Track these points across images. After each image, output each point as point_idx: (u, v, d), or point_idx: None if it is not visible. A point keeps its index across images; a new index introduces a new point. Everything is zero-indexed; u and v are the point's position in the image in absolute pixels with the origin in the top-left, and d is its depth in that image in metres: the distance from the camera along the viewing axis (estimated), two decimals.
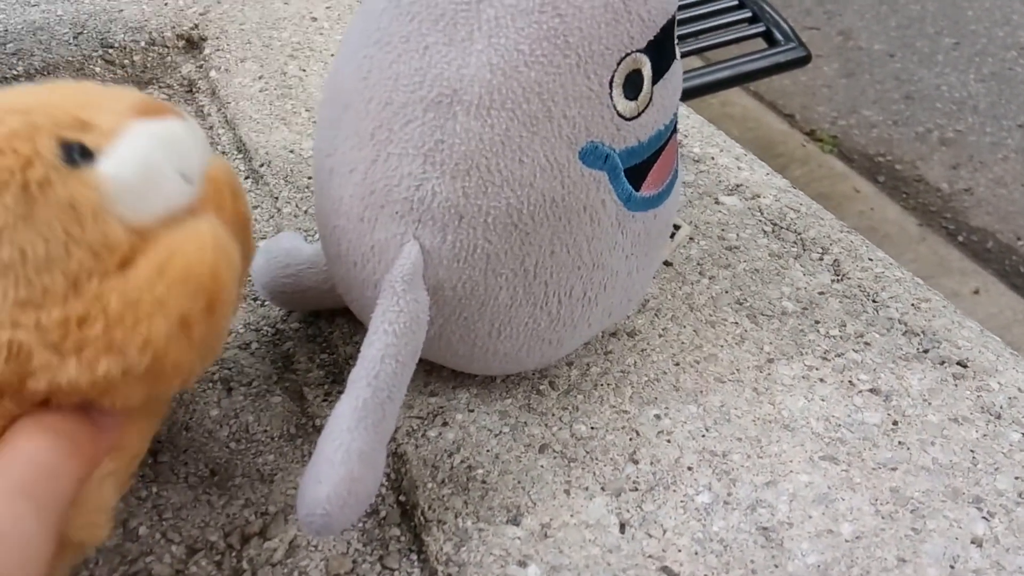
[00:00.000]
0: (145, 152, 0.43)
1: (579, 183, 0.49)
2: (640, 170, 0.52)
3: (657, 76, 0.50)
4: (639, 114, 0.50)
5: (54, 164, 0.40)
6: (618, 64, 0.48)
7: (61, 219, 0.40)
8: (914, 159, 2.49)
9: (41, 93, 0.44)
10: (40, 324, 0.39)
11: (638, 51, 0.48)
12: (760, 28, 1.69)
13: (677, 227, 0.76)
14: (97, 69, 0.98)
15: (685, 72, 1.59)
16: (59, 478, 0.40)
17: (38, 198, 0.39)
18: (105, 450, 0.44)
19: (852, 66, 2.88)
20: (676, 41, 0.53)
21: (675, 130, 0.55)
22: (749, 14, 1.70)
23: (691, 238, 0.75)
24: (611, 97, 0.48)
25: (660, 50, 0.50)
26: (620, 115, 0.49)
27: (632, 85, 0.49)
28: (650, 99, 0.50)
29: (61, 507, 0.40)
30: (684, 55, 1.57)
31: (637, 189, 0.52)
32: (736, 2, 1.73)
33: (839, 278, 0.72)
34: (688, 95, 1.49)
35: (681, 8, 1.68)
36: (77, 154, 0.41)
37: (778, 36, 1.67)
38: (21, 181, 0.39)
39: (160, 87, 1.00)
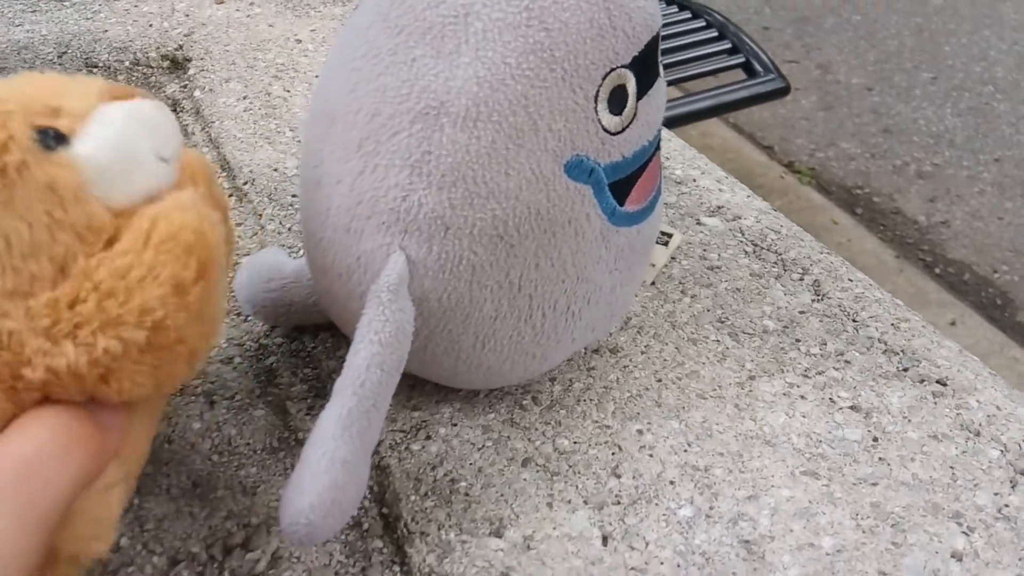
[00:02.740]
0: (120, 132, 0.43)
1: (564, 196, 0.49)
2: (624, 185, 0.52)
3: (642, 92, 0.51)
4: (624, 129, 0.50)
5: (30, 148, 0.39)
6: (603, 79, 0.48)
7: (43, 202, 0.39)
8: (891, 192, 2.51)
9: (9, 84, 0.44)
10: (30, 311, 0.39)
11: (623, 66, 0.49)
12: (740, 59, 1.70)
13: (669, 235, 0.77)
14: None
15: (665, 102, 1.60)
16: (49, 475, 0.38)
17: (16, 182, 0.39)
18: (110, 451, 0.43)
19: (830, 99, 2.90)
20: (660, 58, 0.53)
21: (659, 147, 0.55)
22: (729, 45, 1.72)
23: (672, 257, 0.76)
24: (596, 111, 0.49)
25: (645, 66, 0.50)
26: (605, 129, 0.49)
27: (617, 100, 0.49)
28: (634, 114, 0.51)
29: (49, 507, 0.38)
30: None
31: (621, 204, 0.52)
32: (716, 33, 1.75)
33: (819, 298, 0.73)
34: (668, 124, 1.50)
35: (662, 38, 1.69)
36: (51, 139, 0.40)
37: (757, 67, 1.69)
38: None
39: None
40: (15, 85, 0.44)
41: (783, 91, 1.68)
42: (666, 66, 1.67)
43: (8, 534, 0.36)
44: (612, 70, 0.48)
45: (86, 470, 0.41)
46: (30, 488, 0.37)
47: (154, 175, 0.44)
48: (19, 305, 0.39)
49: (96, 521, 0.43)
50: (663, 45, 1.64)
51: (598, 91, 0.48)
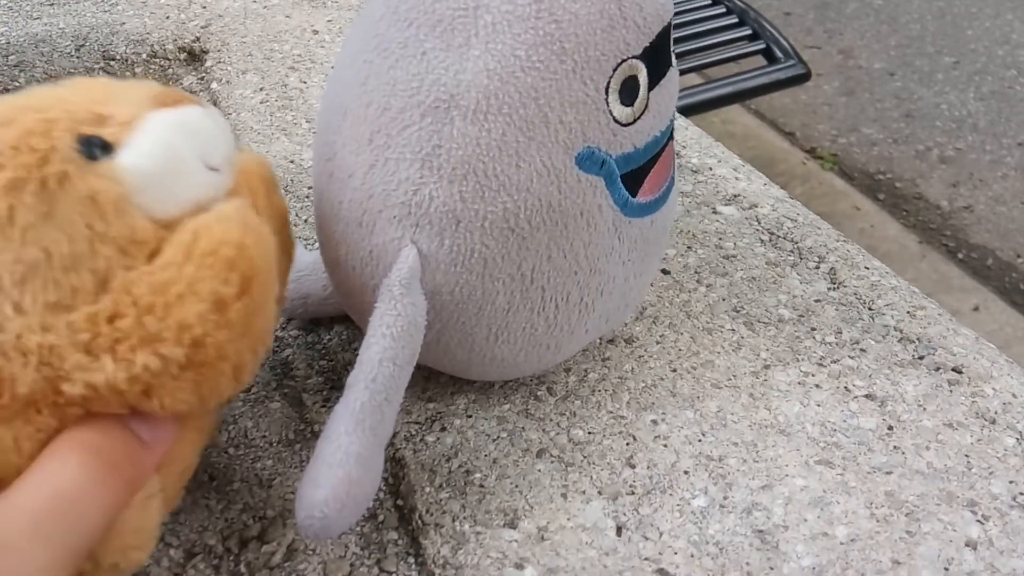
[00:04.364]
0: (164, 141, 0.42)
1: (576, 188, 0.49)
2: (637, 176, 0.52)
3: (653, 82, 0.51)
4: (635, 120, 0.50)
5: (72, 158, 0.39)
6: (614, 70, 0.48)
7: (83, 214, 0.39)
8: (914, 177, 2.50)
9: (57, 91, 0.43)
10: (71, 325, 0.38)
11: (634, 57, 0.49)
12: (760, 45, 1.70)
13: None
14: None
15: (685, 89, 1.61)
16: (85, 509, 0.38)
17: (57, 194, 0.38)
18: (152, 467, 0.43)
19: (852, 84, 2.89)
20: (672, 48, 0.53)
21: (671, 137, 0.55)
22: (749, 31, 1.72)
23: (688, 247, 0.76)
24: (607, 103, 0.49)
25: (656, 56, 0.50)
26: (616, 121, 0.49)
27: (628, 91, 0.49)
28: (646, 105, 0.51)
29: (84, 541, 0.38)
30: (684, 72, 1.58)
31: (633, 195, 0.52)
32: (736, 20, 1.74)
33: (835, 286, 0.72)
34: (688, 112, 1.50)
35: (681, 25, 1.69)
36: (97, 148, 0.40)
37: (778, 53, 1.68)
38: (39, 178, 0.38)
39: None
40: (62, 91, 0.43)
41: (804, 77, 1.68)
42: (686, 53, 1.66)
43: (46, 568, 0.36)
44: (623, 61, 0.48)
45: (122, 498, 0.41)
46: (65, 525, 0.37)
47: (202, 185, 0.44)
48: (60, 319, 0.38)
49: (135, 531, 0.43)
50: (683, 32, 1.64)
51: (609, 82, 0.48)
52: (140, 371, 0.39)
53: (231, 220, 0.42)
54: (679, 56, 1.56)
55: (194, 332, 0.39)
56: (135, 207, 0.40)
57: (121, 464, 0.40)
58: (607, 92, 0.48)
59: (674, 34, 0.52)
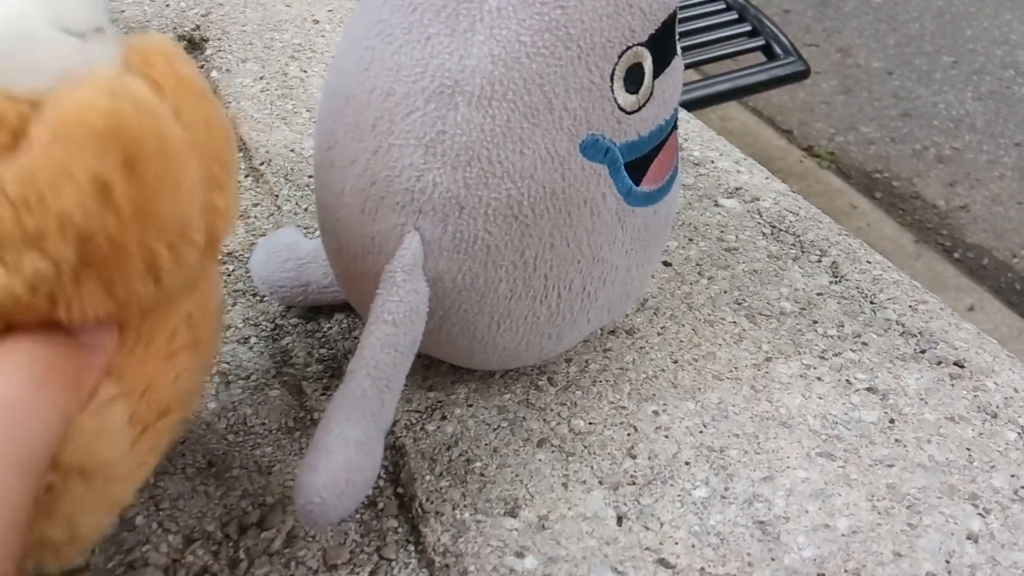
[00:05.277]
0: (2, 4, 0.36)
1: (579, 176, 0.49)
2: (640, 165, 0.52)
3: (658, 70, 0.51)
4: (640, 108, 0.50)
5: None
6: (619, 57, 0.48)
7: None
8: (911, 176, 2.49)
9: None
10: None
11: (639, 44, 0.49)
12: (759, 42, 1.70)
13: None
14: None
15: (683, 85, 1.60)
16: (29, 415, 0.35)
17: None
18: (97, 370, 0.39)
19: (850, 83, 2.89)
20: (677, 36, 0.53)
21: (675, 126, 0.55)
22: (748, 28, 1.71)
23: (690, 239, 0.76)
24: (612, 90, 0.48)
25: (661, 44, 0.50)
26: (621, 108, 0.49)
27: (633, 79, 0.49)
28: (651, 93, 0.50)
29: (35, 453, 0.35)
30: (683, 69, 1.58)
31: (637, 184, 0.52)
32: (736, 16, 1.74)
33: (837, 280, 0.72)
34: (686, 108, 1.49)
35: (681, 20, 1.69)
36: None
37: (777, 50, 1.68)
38: None
39: None
40: None
41: (803, 74, 1.67)
42: (685, 49, 1.66)
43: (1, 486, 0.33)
44: (628, 48, 0.48)
45: (68, 400, 0.37)
46: (11, 439, 0.34)
47: (64, 53, 0.37)
48: None
49: (96, 431, 0.39)
50: (683, 28, 1.63)
51: (614, 69, 0.48)
52: (31, 276, 0.34)
53: (100, 89, 0.36)
54: None
55: (78, 224, 0.34)
56: None
57: (61, 364, 0.37)
58: (612, 79, 0.48)
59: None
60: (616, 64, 0.48)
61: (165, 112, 0.38)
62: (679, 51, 0.54)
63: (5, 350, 0.36)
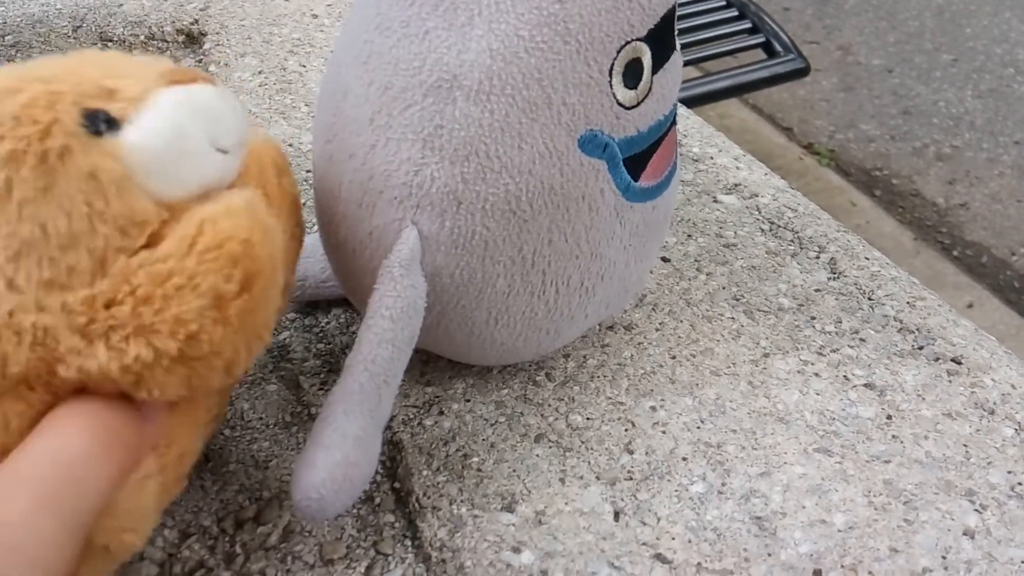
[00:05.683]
0: (173, 119, 0.41)
1: (578, 171, 0.49)
2: (639, 160, 0.52)
3: (657, 66, 0.51)
4: (639, 103, 0.50)
5: (75, 133, 0.38)
6: (618, 52, 0.48)
7: (83, 191, 0.37)
8: (910, 174, 2.50)
9: (65, 62, 0.41)
10: (66, 306, 0.37)
11: (638, 39, 0.49)
12: (760, 39, 1.70)
13: None
14: None
15: (683, 82, 1.60)
16: (91, 479, 0.37)
17: (58, 169, 0.37)
18: (147, 444, 0.42)
19: (851, 80, 2.89)
20: (676, 32, 0.53)
21: (674, 122, 0.55)
22: (749, 25, 1.72)
23: (689, 235, 0.76)
24: (611, 85, 0.48)
25: (660, 39, 0.50)
26: (620, 104, 0.49)
27: (632, 74, 0.49)
28: (650, 88, 0.50)
29: (90, 512, 0.37)
30: (682, 65, 1.58)
31: (636, 179, 0.52)
32: (736, 12, 1.74)
33: (835, 276, 0.72)
34: (686, 105, 1.49)
35: (681, 17, 1.69)
36: (103, 123, 0.38)
37: (777, 47, 1.68)
38: (39, 151, 0.37)
39: None
40: (71, 62, 0.42)
41: (803, 71, 1.68)
42: (685, 45, 1.66)
43: (54, 540, 0.35)
44: (627, 43, 0.48)
45: (124, 467, 0.40)
46: (75, 492, 0.36)
47: (211, 167, 0.42)
48: (55, 299, 0.37)
49: (128, 512, 0.41)
50: (683, 24, 1.63)
51: (613, 64, 0.48)
52: (132, 361, 0.38)
53: (239, 215, 0.40)
54: None
55: (190, 327, 0.38)
56: (137, 187, 0.39)
57: (123, 434, 0.39)
58: (611, 74, 0.48)
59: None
60: (615, 59, 0.48)
61: (280, 237, 0.43)
62: (678, 46, 0.54)
63: (74, 410, 0.39)
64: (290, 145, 0.84)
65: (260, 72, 0.95)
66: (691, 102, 1.54)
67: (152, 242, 0.39)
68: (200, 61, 1.00)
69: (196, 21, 1.05)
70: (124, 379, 0.38)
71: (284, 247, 0.44)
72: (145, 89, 0.41)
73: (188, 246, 0.38)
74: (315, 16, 1.07)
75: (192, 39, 1.04)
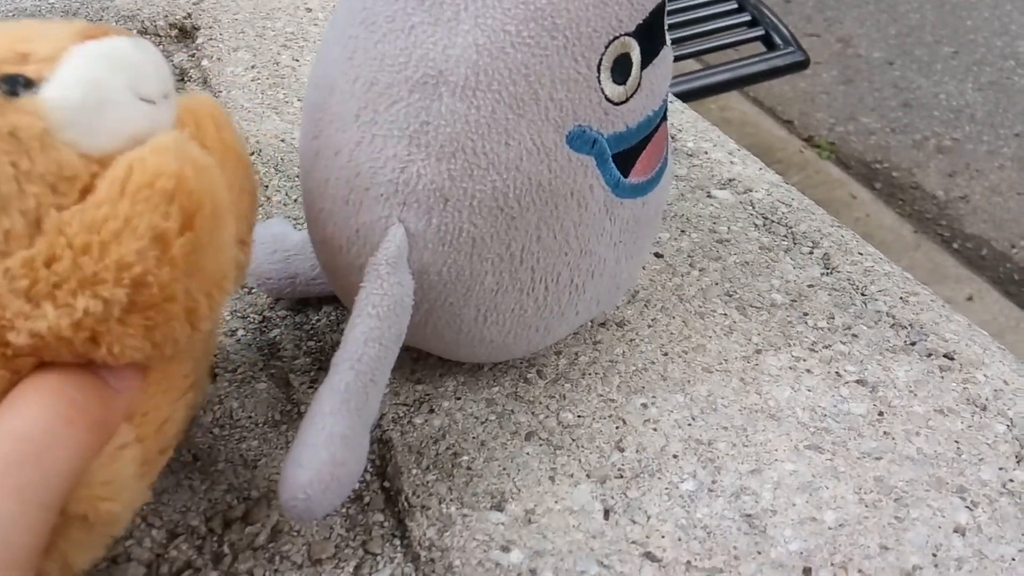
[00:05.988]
0: (88, 72, 0.40)
1: (566, 167, 0.49)
2: (629, 156, 0.52)
3: (646, 61, 0.50)
4: (628, 99, 0.50)
5: None
6: (606, 47, 0.48)
7: (6, 152, 0.37)
8: (911, 166, 2.49)
9: None
10: (8, 272, 0.36)
11: (627, 34, 0.48)
12: (759, 32, 1.70)
13: None
14: None
15: (683, 75, 1.60)
16: (53, 455, 0.36)
17: None
18: (119, 415, 0.41)
19: (851, 73, 2.88)
20: (666, 27, 0.53)
21: (664, 117, 0.55)
22: (748, 17, 1.71)
23: (682, 231, 0.75)
24: (599, 81, 0.48)
25: (649, 34, 0.50)
26: (608, 99, 0.49)
27: (620, 69, 0.49)
28: (639, 84, 0.50)
29: (57, 488, 0.37)
30: (682, 58, 1.58)
31: (625, 175, 0.52)
32: (735, 5, 1.73)
33: (828, 271, 0.72)
34: (686, 98, 1.49)
35: (680, 10, 1.69)
36: (20, 86, 0.38)
37: (777, 40, 1.68)
38: None
39: None
40: None
41: (803, 64, 1.67)
42: (685, 38, 1.66)
43: (14, 519, 0.34)
44: (615, 38, 0.48)
45: (92, 441, 0.39)
46: (34, 470, 0.36)
47: (136, 117, 0.41)
48: None
49: (105, 482, 0.41)
50: (682, 17, 1.63)
51: (601, 60, 0.48)
52: (82, 316, 0.37)
53: (167, 151, 0.39)
54: (677, 42, 1.56)
55: (134, 271, 0.37)
56: (61, 142, 0.38)
57: (87, 404, 0.39)
58: (599, 70, 0.48)
59: (673, 19, 0.52)
60: (603, 54, 0.48)
61: (218, 176, 0.41)
62: (668, 41, 0.53)
63: (34, 385, 0.38)
64: (282, 140, 0.84)
65: (253, 66, 0.95)
66: (691, 95, 1.54)
67: (85, 197, 0.38)
68: (193, 55, 0.99)
69: (189, 15, 1.05)
70: (78, 337, 0.38)
71: (233, 199, 0.44)
72: (59, 48, 0.40)
73: (119, 189, 0.38)
74: (309, 10, 1.06)
75: (185, 33, 1.03)
